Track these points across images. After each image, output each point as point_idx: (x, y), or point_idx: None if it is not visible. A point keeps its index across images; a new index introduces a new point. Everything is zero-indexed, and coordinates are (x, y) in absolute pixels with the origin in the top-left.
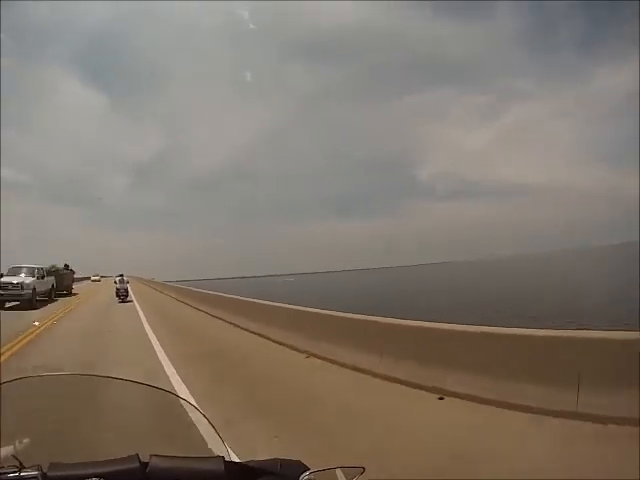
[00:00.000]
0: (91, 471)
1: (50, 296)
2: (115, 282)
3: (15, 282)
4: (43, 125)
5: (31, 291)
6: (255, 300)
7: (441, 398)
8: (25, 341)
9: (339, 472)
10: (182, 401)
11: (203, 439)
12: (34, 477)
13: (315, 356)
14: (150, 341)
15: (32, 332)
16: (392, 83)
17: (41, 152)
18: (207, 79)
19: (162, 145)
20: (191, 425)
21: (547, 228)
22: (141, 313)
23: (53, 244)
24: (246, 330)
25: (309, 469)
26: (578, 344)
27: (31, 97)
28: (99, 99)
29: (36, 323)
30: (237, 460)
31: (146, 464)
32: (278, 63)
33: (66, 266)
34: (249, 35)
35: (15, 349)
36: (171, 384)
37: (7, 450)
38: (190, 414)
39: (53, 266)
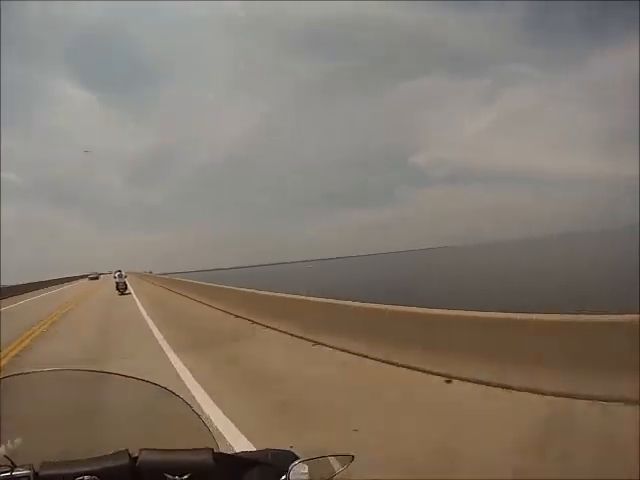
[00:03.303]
0: (82, 469)
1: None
2: (115, 277)
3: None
4: (34, 126)
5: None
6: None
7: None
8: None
9: (329, 460)
10: (171, 394)
11: (193, 432)
12: (26, 476)
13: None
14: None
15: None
16: (390, 71)
17: (34, 152)
18: (202, 73)
19: (158, 141)
20: (182, 418)
21: (549, 212)
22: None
23: (52, 244)
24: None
25: (299, 458)
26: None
27: (25, 100)
28: (90, 96)
29: None
30: (227, 452)
31: (136, 458)
32: (273, 54)
33: None
34: (242, 25)
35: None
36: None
37: None
38: (180, 407)
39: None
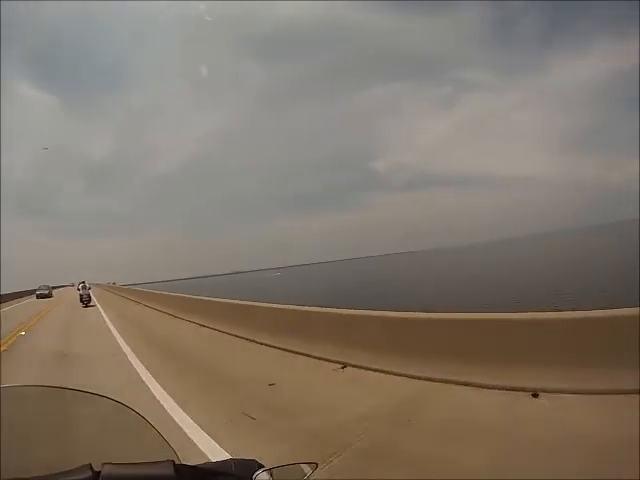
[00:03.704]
0: None
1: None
2: (78, 289)
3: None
4: None
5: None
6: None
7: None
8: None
9: (293, 468)
10: (129, 410)
11: (154, 445)
12: None
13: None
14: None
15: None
16: (350, 78)
17: None
18: (164, 78)
19: (117, 146)
20: (141, 432)
21: (515, 214)
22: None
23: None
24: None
25: (263, 467)
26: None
27: None
28: (48, 99)
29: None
30: (189, 464)
31: (99, 473)
32: (235, 58)
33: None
34: (206, 28)
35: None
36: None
37: None
38: (139, 422)
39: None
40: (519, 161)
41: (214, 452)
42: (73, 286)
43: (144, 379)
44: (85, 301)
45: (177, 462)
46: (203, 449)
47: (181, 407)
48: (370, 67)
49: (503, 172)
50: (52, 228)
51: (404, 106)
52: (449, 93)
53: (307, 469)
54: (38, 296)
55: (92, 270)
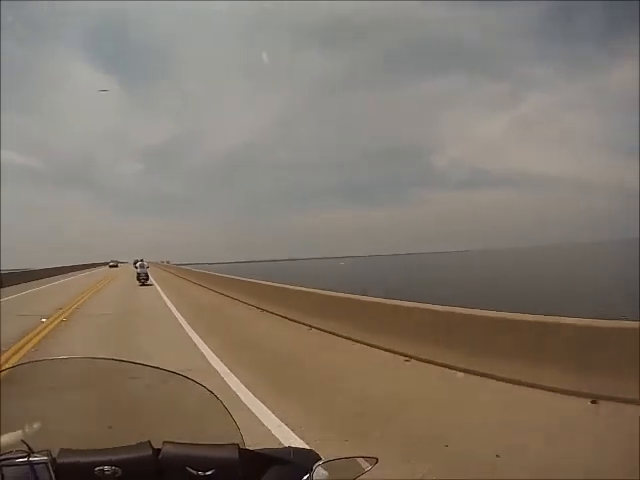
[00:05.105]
0: (102, 458)
1: None
2: (136, 267)
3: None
4: (57, 111)
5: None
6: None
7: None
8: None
9: (352, 461)
10: (197, 385)
11: (219, 426)
12: (43, 462)
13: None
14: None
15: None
16: (407, 70)
17: (55, 138)
18: (221, 64)
19: (176, 131)
20: (208, 411)
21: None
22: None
23: (68, 230)
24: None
25: (321, 458)
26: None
27: (47, 84)
28: (112, 85)
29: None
30: (250, 448)
31: (159, 451)
32: (292, 47)
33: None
34: (263, 17)
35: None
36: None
37: (16, 435)
38: (208, 400)
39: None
40: (576, 163)
41: None
42: (125, 264)
43: None
44: (142, 279)
45: (242, 446)
46: None
47: None
48: (429, 60)
49: (558, 173)
50: (107, 205)
51: (460, 101)
52: (508, 89)
53: (365, 464)
54: (110, 266)
55: (141, 248)
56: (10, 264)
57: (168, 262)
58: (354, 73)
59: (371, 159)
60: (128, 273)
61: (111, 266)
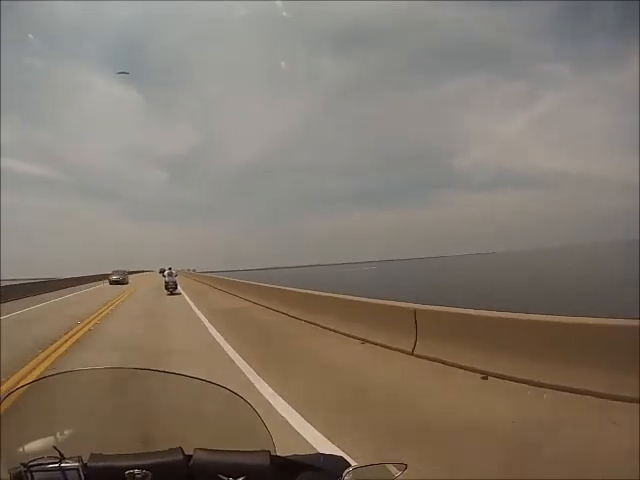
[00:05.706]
0: (133, 463)
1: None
2: (164, 275)
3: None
4: (77, 123)
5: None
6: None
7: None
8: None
9: (381, 468)
10: (230, 393)
11: (250, 432)
12: (75, 468)
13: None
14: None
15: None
16: (426, 71)
17: (74, 149)
18: (240, 72)
19: (197, 140)
20: (239, 418)
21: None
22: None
23: (88, 238)
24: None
25: (350, 464)
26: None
27: (66, 96)
28: (133, 96)
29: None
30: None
31: (190, 457)
32: (310, 53)
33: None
34: (282, 24)
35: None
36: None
37: (48, 441)
38: (240, 407)
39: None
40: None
41: None
42: (144, 273)
43: None
44: (171, 288)
45: (273, 453)
46: None
47: None
48: (447, 61)
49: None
50: (129, 214)
51: (478, 102)
52: (525, 88)
53: (395, 470)
54: (112, 282)
55: (165, 256)
56: (43, 274)
57: (194, 270)
58: (372, 76)
59: (392, 162)
60: (155, 282)
61: (112, 282)
